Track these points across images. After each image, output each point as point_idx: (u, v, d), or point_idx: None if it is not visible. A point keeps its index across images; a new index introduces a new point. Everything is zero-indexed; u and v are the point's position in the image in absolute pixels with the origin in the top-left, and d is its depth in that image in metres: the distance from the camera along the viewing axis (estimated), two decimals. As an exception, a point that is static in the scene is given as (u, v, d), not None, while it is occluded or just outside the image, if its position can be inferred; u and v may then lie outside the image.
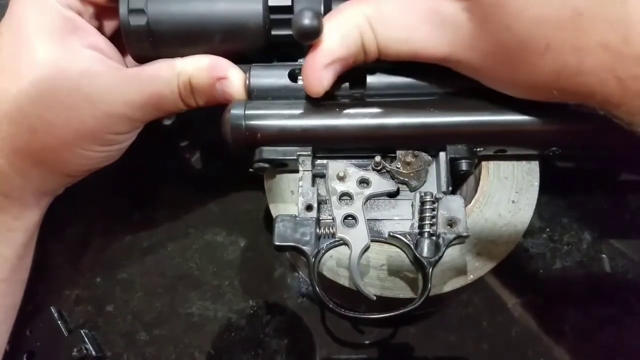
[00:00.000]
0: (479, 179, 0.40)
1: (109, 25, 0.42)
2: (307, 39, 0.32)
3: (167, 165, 0.51)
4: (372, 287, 0.37)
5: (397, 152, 0.37)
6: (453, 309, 0.46)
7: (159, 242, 0.49)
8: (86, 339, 0.46)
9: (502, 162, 0.40)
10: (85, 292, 0.48)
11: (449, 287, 0.36)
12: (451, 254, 0.37)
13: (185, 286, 0.48)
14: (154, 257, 0.49)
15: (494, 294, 0.46)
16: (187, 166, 0.51)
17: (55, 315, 0.47)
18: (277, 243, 0.35)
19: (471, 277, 0.37)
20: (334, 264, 0.38)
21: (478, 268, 0.37)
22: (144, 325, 0.47)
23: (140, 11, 0.36)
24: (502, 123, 0.36)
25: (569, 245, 0.48)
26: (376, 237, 0.36)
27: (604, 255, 0.47)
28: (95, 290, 0.48)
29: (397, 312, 0.34)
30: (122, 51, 0.42)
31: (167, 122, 0.51)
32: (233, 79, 0.38)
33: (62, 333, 0.46)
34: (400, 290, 0.37)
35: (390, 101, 0.37)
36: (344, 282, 0.37)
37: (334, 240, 0.36)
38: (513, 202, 0.39)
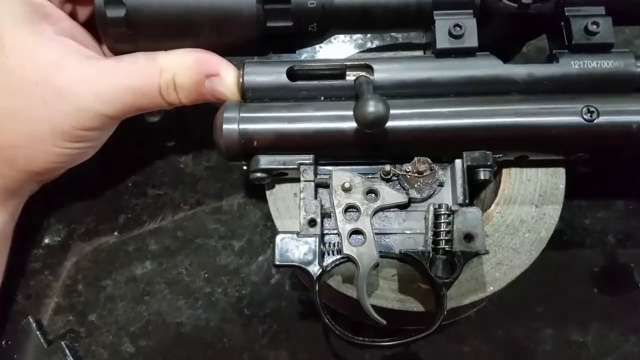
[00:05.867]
0: (500, 181, 0.40)
1: (83, 11, 0.41)
2: (372, 128, 0.32)
3: (154, 165, 0.51)
4: (383, 299, 0.37)
5: (415, 158, 0.37)
6: (466, 319, 0.46)
7: (145, 246, 0.49)
8: (67, 351, 0.46)
9: (524, 163, 0.40)
10: (65, 300, 0.48)
11: (466, 299, 0.36)
12: (468, 263, 0.36)
13: (175, 294, 0.48)
14: (141, 262, 0.48)
15: (510, 302, 0.46)
16: (176, 166, 0.50)
17: (34, 325, 0.46)
18: (277, 262, 0.35)
19: (491, 289, 0.36)
20: (340, 279, 0.38)
21: (498, 279, 0.37)
22: (130, 335, 0.47)
23: (118, 2, 0.34)
24: (524, 126, 0.35)
25: (591, 249, 0.48)
26: (386, 254, 0.36)
27: (632, 265, 0.47)
28: (76, 298, 0.48)
29: (409, 340, 0.34)
30: (99, 39, 0.41)
31: (153, 119, 0.50)
32: (225, 76, 0.37)
33: (42, 344, 0.46)
34: (414, 303, 0.37)
35: (400, 102, 0.36)
36: (352, 293, 0.37)
37: (339, 257, 0.35)
38: (536, 206, 0.38)
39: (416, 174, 0.36)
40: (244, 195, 0.50)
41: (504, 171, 0.40)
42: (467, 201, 0.36)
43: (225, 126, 0.35)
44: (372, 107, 0.31)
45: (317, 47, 0.47)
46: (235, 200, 0.50)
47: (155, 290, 0.48)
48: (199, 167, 0.51)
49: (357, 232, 0.36)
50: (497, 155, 0.36)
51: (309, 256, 0.35)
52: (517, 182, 0.40)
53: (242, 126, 0.35)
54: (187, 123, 0.51)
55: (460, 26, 0.36)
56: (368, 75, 0.37)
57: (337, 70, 0.37)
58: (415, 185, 0.36)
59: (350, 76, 0.37)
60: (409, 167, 0.36)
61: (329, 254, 0.36)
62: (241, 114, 0.36)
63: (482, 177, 0.36)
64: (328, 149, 0.36)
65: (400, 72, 0.37)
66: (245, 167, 0.37)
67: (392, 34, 0.51)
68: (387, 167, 0.36)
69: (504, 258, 0.37)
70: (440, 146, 0.36)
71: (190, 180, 0.50)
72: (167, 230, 0.49)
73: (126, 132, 0.43)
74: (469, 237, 0.35)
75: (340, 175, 0.36)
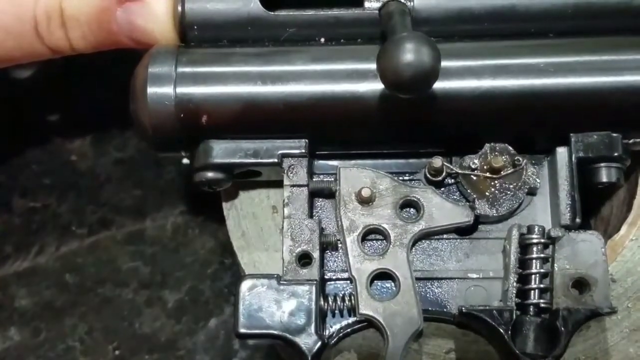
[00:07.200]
0: (636, 183, 0.41)
1: None
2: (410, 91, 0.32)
3: (24, 157, 0.51)
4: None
5: (486, 145, 0.37)
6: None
7: (9, 299, 0.49)
8: None
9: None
10: None
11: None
12: (581, 329, 0.37)
13: (63, 385, 0.48)
14: (1, 328, 0.49)
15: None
16: (63, 159, 0.51)
17: None
18: (242, 330, 0.35)
19: None
20: (355, 359, 0.38)
21: (634, 358, 0.38)
22: None
23: None
24: None
25: None
26: (436, 314, 0.36)
27: None
28: None
29: None
30: None
31: (22, 74, 0.50)
32: (152, 1, 0.38)
33: None
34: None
35: (460, 47, 0.37)
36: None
37: (353, 320, 0.36)
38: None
39: (489, 173, 0.36)
40: (184, 211, 0.51)
41: (644, 170, 0.40)
42: (578, 221, 0.36)
43: (151, 90, 0.36)
44: (411, 53, 0.31)
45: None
46: (169, 220, 0.51)
47: (27, 379, 0.48)
48: (105, 161, 0.51)
49: (384, 275, 0.36)
50: (632, 140, 0.37)
51: (299, 319, 0.35)
52: (666, 186, 0.40)
53: (181, 89, 0.36)
54: (84, 83, 0.51)
55: None
56: (403, 0, 0.37)
57: (349, -9, 0.37)
58: (487, 193, 0.36)
59: (372, 1, 0.38)
60: (476, 160, 0.37)
61: (334, 315, 0.36)
62: (180, 68, 0.36)
63: (604, 179, 0.36)
64: (332, 129, 0.37)
65: None
66: (186, 162, 0.38)
67: None
68: (437, 161, 0.36)
69: (647, 321, 0.38)
70: (531, 124, 0.36)
71: (88, 184, 0.51)
72: (47, 272, 0.50)
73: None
74: (581, 285, 0.35)
75: (355, 175, 0.37)
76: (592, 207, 0.43)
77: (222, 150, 0.37)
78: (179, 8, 0.37)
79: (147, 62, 0.37)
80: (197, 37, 0.38)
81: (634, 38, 0.37)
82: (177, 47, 0.37)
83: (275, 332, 0.35)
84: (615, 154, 0.36)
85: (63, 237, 0.50)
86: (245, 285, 0.35)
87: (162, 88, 0.36)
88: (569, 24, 0.37)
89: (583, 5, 0.37)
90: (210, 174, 0.37)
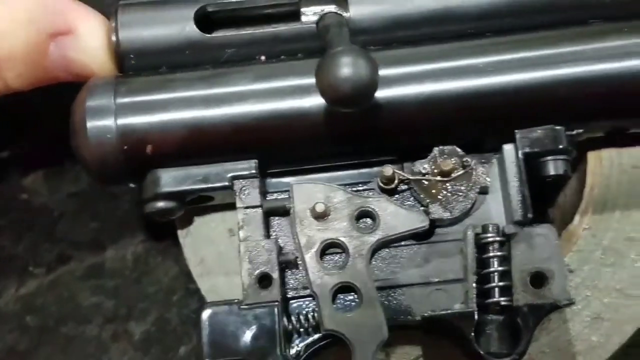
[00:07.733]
0: (585, 172, 0.41)
1: None
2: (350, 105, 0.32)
3: None
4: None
5: (434, 149, 0.37)
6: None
7: None
8: None
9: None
10: None
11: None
12: (543, 323, 0.37)
13: None
14: None
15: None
16: (15, 197, 0.50)
17: None
18: (208, 359, 0.35)
19: None
20: None
21: (597, 346, 0.38)
22: None
23: None
24: (619, 77, 0.36)
25: None
26: (400, 321, 0.36)
27: None
28: None
29: None
30: None
31: None
32: (84, 33, 0.37)
33: None
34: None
35: (398, 54, 0.37)
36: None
37: (318, 337, 0.36)
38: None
39: (439, 177, 0.37)
40: (144, 239, 0.50)
41: (591, 157, 0.41)
42: (530, 215, 0.36)
43: (90, 124, 0.36)
44: (347, 67, 0.31)
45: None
46: (129, 250, 0.50)
47: None
48: (58, 196, 0.51)
49: (345, 288, 0.36)
50: (575, 132, 0.37)
51: (263, 342, 0.35)
52: (616, 172, 0.40)
53: (122, 120, 0.36)
54: (31, 118, 0.50)
55: None
56: (339, 12, 0.37)
57: (286, 7, 0.38)
58: (440, 197, 0.37)
59: (309, 15, 0.38)
60: (426, 165, 0.37)
61: (299, 334, 0.36)
62: (119, 99, 0.36)
63: (552, 172, 0.36)
64: (280, 147, 0.37)
65: (396, 1, 0.37)
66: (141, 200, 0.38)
67: None
68: (388, 170, 0.37)
69: (603, 308, 0.38)
70: (476, 125, 0.37)
71: (44, 222, 0.50)
72: (8, 315, 0.49)
73: None
74: (539, 279, 0.35)
75: (307, 190, 0.37)
76: (546, 200, 0.43)
77: (171, 179, 0.36)
78: (113, 37, 0.37)
79: (84, 95, 0.36)
80: (135, 65, 0.37)
81: (565, 31, 0.37)
82: (115, 77, 0.37)
83: (241, 358, 0.35)
84: (560, 147, 0.36)
85: (21, 278, 0.49)
86: (205, 314, 0.35)
87: (102, 121, 0.36)
88: (504, 22, 0.38)
89: (516, 3, 0.38)
90: (160, 204, 0.37)
